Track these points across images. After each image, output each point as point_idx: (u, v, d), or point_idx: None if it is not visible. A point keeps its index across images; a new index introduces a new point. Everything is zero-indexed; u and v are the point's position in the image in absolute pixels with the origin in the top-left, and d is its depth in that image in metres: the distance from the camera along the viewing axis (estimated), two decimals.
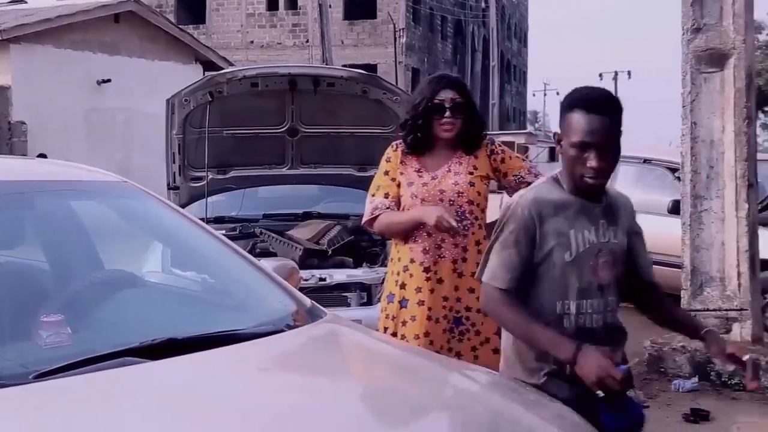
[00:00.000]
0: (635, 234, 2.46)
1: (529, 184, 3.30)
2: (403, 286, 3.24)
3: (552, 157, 32.73)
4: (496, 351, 2.91)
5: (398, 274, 3.26)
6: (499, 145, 3.41)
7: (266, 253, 5.07)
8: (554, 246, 2.29)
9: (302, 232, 5.57)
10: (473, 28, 44.46)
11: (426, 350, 2.96)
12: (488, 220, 3.30)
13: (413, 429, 1.95)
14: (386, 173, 3.31)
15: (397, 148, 3.32)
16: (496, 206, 3.25)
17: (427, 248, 3.20)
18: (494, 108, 34.97)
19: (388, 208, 3.24)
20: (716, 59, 5.55)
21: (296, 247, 5.28)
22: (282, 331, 2.34)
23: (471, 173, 3.26)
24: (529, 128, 51.03)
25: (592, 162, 2.24)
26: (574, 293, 2.30)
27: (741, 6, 5.44)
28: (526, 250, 2.29)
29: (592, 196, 2.35)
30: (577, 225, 2.32)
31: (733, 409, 5.01)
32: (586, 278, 2.31)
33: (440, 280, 3.22)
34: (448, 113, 3.20)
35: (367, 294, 5.00)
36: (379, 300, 3.65)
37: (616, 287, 2.39)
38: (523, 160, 3.60)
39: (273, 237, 5.40)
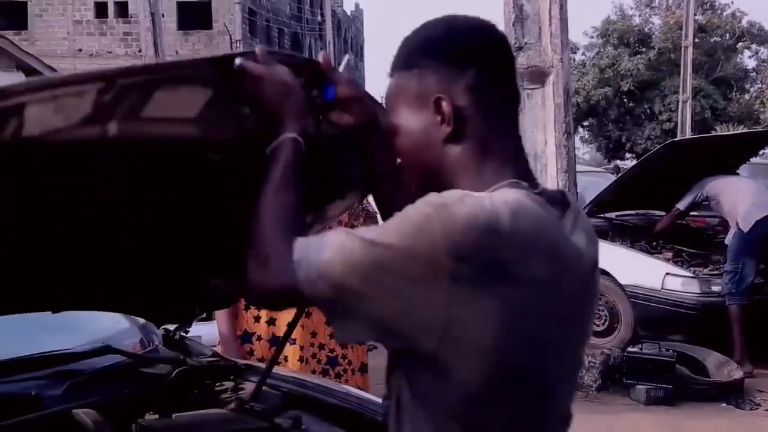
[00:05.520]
0: None
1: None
2: (272, 322, 2.78)
3: None
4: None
5: (258, 308, 2.75)
6: None
7: None
8: None
9: None
10: (310, 41, 44.68)
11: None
12: None
13: None
14: None
15: None
16: None
17: None
18: None
19: None
20: (537, 76, 5.89)
21: None
22: None
23: None
24: None
25: None
26: None
27: (557, 27, 5.82)
28: None
29: None
30: None
31: None
32: None
33: (308, 313, 2.75)
34: None
35: None
36: None
37: None
38: None
39: None
